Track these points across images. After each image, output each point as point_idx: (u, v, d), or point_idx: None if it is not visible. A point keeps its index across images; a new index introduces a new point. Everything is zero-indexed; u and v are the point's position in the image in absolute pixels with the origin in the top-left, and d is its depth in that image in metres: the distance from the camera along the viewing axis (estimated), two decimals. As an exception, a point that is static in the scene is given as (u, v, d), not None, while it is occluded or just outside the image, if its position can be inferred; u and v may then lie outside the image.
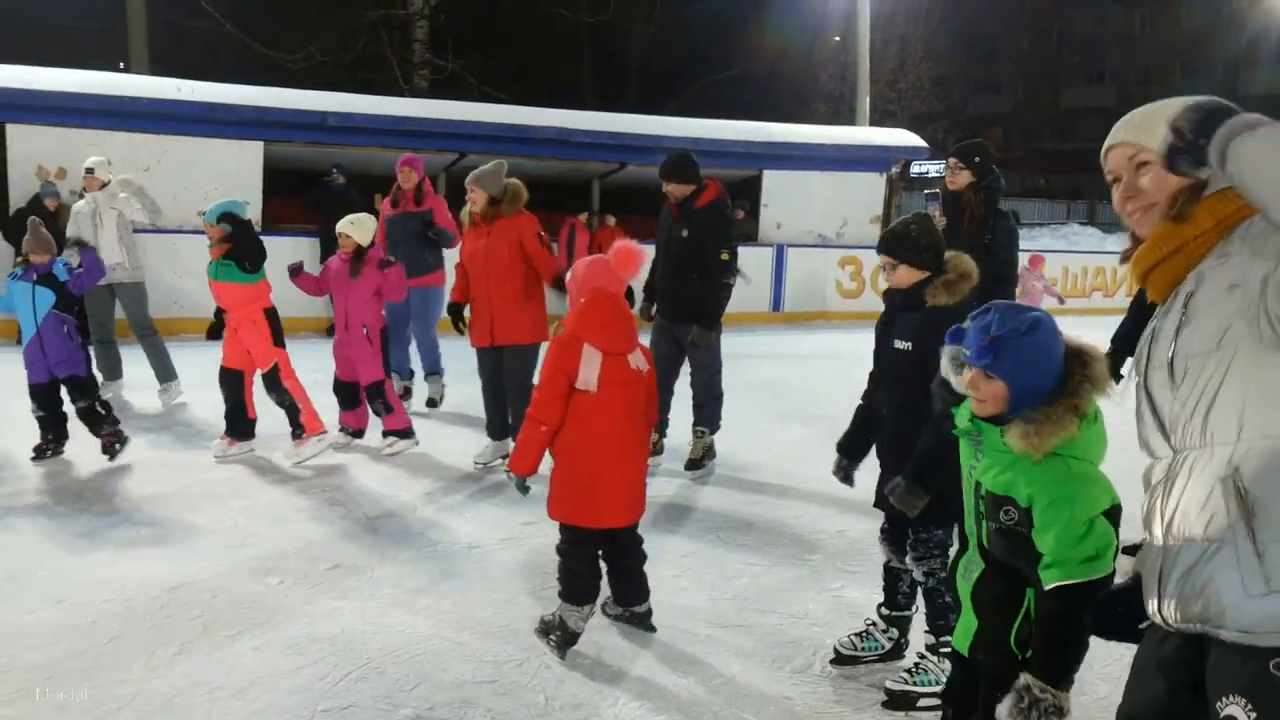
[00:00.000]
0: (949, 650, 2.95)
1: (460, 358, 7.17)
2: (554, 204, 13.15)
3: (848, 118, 20.63)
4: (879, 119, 22.76)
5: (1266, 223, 1.53)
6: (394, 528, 4.89)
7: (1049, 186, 38.43)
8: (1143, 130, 1.75)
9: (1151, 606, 1.74)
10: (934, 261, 3.25)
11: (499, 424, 5.95)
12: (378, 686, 3.27)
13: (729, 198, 5.94)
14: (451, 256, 6.67)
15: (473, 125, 12.36)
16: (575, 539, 3.58)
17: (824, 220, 14.50)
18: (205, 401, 6.86)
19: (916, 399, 3.14)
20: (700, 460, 5.97)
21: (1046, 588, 2.09)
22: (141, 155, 10.67)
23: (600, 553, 3.64)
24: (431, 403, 7.57)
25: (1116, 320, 5.23)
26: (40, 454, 5.88)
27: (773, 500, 5.47)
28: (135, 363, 7.67)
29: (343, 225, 6.17)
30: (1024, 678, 1.96)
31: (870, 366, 3.51)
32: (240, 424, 6.10)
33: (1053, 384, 2.14)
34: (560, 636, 3.51)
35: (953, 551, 2.92)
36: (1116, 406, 2.19)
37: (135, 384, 7.64)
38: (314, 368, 6.67)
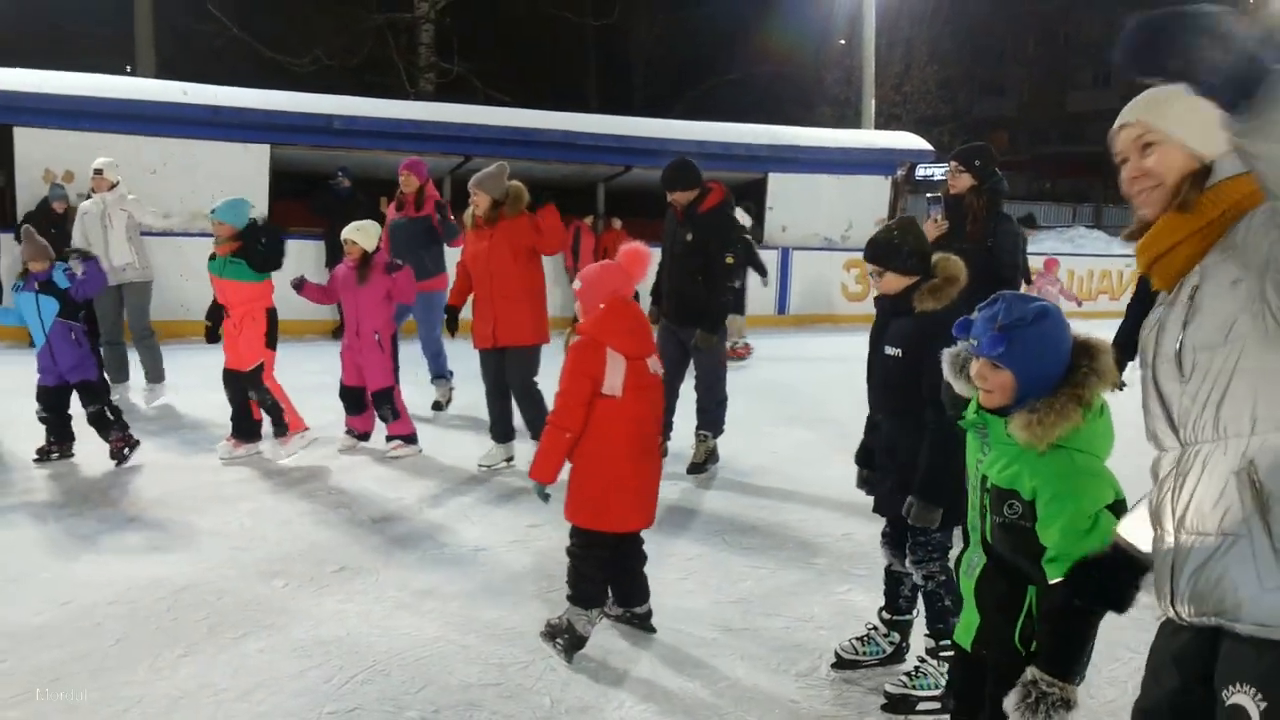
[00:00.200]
0: (949, 654, 2.95)
1: (462, 361, 7.18)
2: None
3: (853, 121, 20.58)
4: (884, 122, 22.76)
5: (1268, 216, 1.52)
6: (400, 530, 4.89)
7: (1055, 190, 38.35)
8: (1150, 110, 1.75)
9: (1164, 601, 1.73)
10: (921, 266, 3.24)
11: (502, 427, 5.96)
12: (383, 689, 3.27)
13: (733, 200, 5.94)
14: (452, 258, 6.68)
15: (478, 128, 12.36)
16: (588, 543, 3.56)
17: (829, 223, 14.49)
18: (210, 404, 6.87)
19: (909, 404, 3.14)
20: (703, 464, 5.96)
21: (1051, 582, 2.08)
22: (148, 158, 10.71)
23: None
24: (437, 406, 7.57)
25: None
26: (44, 456, 5.89)
27: (778, 503, 5.46)
28: (138, 365, 7.68)
29: (348, 232, 6.19)
30: (1031, 672, 1.96)
31: (873, 371, 3.51)
32: (246, 426, 6.11)
33: (1059, 375, 2.13)
34: (568, 640, 3.50)
35: (953, 554, 2.92)
36: (1125, 398, 2.17)
37: (141, 386, 7.65)
38: (320, 370, 6.68)
